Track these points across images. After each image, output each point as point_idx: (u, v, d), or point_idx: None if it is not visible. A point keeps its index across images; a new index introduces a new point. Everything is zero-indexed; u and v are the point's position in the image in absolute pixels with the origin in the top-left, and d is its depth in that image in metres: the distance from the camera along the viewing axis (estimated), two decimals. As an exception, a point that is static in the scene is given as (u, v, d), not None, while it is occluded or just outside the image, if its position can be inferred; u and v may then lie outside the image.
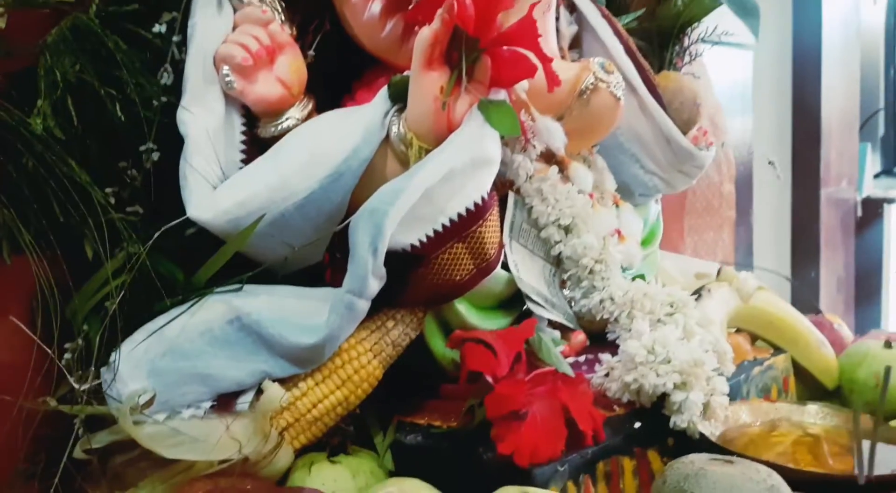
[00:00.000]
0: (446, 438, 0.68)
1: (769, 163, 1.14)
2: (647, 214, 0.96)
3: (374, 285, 0.65)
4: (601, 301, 0.79)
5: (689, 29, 1.29)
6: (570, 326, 0.79)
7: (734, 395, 0.83)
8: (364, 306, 0.66)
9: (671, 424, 0.71)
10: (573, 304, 0.81)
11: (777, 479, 0.58)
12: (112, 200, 0.69)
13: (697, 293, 0.89)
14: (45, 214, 0.66)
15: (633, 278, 0.84)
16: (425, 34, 0.68)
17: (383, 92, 0.73)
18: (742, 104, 1.67)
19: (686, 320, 0.77)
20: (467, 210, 0.69)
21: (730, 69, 1.65)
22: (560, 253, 0.80)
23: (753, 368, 0.87)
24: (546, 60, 0.70)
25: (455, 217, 0.68)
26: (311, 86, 0.79)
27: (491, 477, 0.61)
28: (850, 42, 2.13)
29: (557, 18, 0.91)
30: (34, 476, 0.65)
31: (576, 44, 0.94)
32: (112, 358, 0.64)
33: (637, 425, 0.71)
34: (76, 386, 0.61)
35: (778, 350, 0.94)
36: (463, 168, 0.68)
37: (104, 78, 0.65)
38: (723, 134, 1.48)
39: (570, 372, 0.70)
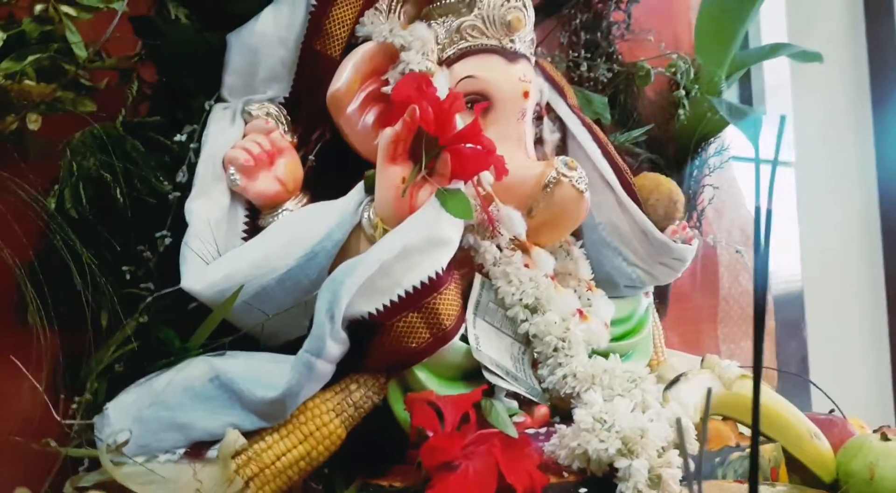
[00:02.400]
0: (397, 494, 0.74)
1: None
2: (636, 306, 1.01)
3: (333, 347, 0.74)
4: (564, 376, 0.84)
5: (705, 144, 1.37)
6: (535, 399, 0.84)
7: (707, 477, 0.84)
8: (322, 366, 0.74)
9: (617, 491, 0.73)
10: (543, 381, 0.86)
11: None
12: (128, 277, 0.82)
13: (676, 379, 0.92)
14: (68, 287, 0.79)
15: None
16: (387, 133, 0.79)
17: (359, 185, 0.84)
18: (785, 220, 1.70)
19: (644, 394, 0.80)
20: (422, 283, 0.77)
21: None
22: (527, 331, 0.86)
23: (732, 452, 0.88)
24: (494, 156, 0.80)
25: (410, 289, 0.77)
26: (311, 185, 0.91)
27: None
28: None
29: (541, 127, 1.01)
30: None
31: (563, 150, 1.04)
32: (105, 408, 0.74)
33: (582, 490, 0.74)
34: (67, 430, 0.71)
35: (768, 440, 0.94)
36: (419, 246, 0.77)
37: (125, 174, 0.78)
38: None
39: (514, 435, 0.74)
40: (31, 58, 0.70)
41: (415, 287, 0.77)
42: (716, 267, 1.45)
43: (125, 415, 0.74)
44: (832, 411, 1.08)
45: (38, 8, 0.73)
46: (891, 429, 1.02)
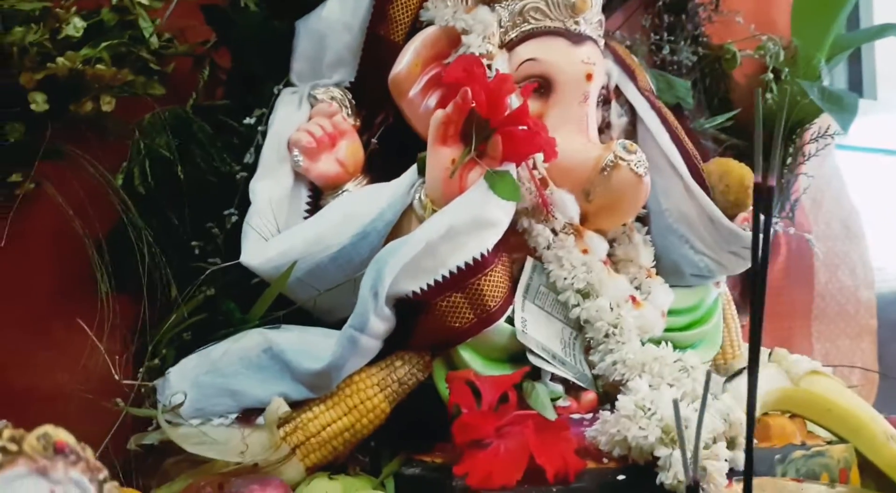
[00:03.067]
0: (436, 470, 0.75)
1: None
2: (704, 296, 0.98)
3: (377, 324, 0.76)
4: (614, 363, 0.82)
5: (801, 130, 1.30)
6: (583, 385, 0.83)
7: (765, 474, 0.81)
8: (366, 341, 0.76)
9: (657, 480, 0.72)
10: (594, 367, 0.85)
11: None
12: (197, 252, 0.87)
13: (738, 372, 0.88)
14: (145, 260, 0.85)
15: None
16: (438, 116, 0.80)
17: (413, 167, 0.85)
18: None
19: (694, 384, 0.78)
20: (466, 264, 0.78)
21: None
22: (579, 316, 0.85)
23: (795, 451, 0.84)
24: (545, 138, 0.79)
25: (454, 269, 0.78)
26: (375, 167, 0.94)
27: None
28: None
29: (608, 111, 0.99)
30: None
31: (633, 134, 1.01)
32: (167, 372, 0.79)
33: (620, 477, 0.73)
34: (128, 390, 0.76)
35: (841, 441, 0.89)
36: (465, 227, 0.78)
37: (191, 154, 0.83)
38: (857, 239, 1.42)
39: (552, 418, 0.74)
40: (104, 44, 0.76)
41: (459, 268, 0.78)
42: (810, 261, 1.37)
43: (184, 380, 0.78)
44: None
45: (115, -1, 0.79)
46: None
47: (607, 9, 1.18)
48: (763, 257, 0.46)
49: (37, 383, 0.82)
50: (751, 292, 0.47)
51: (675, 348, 0.90)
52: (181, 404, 0.75)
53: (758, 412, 0.87)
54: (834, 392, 0.90)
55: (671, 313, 0.94)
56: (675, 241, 0.97)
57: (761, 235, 0.46)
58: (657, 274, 0.97)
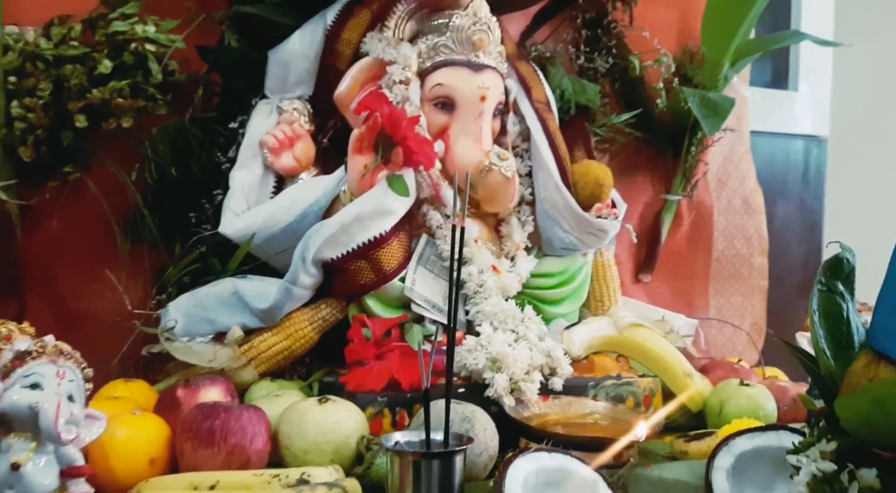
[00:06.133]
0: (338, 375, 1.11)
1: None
2: (570, 264, 1.28)
3: (304, 279, 1.11)
4: (477, 312, 1.16)
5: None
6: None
7: (579, 393, 1.13)
8: (297, 291, 1.11)
9: (485, 394, 1.06)
10: (467, 314, 1.18)
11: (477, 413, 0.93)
12: (194, 220, 1.23)
13: (577, 322, 1.21)
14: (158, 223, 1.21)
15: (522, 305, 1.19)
16: (354, 133, 1.13)
17: (343, 167, 1.19)
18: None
19: (526, 331, 1.11)
20: (369, 240, 1.12)
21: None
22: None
23: (607, 380, 1.16)
24: (428, 151, 1.12)
25: (360, 244, 1.12)
26: (327, 160, 1.27)
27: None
28: None
29: (505, 122, 1.29)
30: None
31: (528, 137, 1.31)
32: (167, 306, 1.16)
33: (461, 390, 1.07)
34: (137, 319, 1.13)
35: (652, 376, 1.20)
36: (369, 213, 1.11)
37: (187, 154, 1.18)
38: (756, 214, 1.69)
39: (415, 349, 1.08)
40: (125, 82, 1.10)
41: (363, 243, 1.12)
42: (710, 231, 1.65)
43: (178, 311, 1.15)
44: (739, 360, 1.32)
45: (133, 46, 1.13)
46: (767, 380, 1.25)
47: (536, 23, 1.49)
48: (459, 263, 0.78)
49: (82, 310, 1.20)
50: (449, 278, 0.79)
51: (545, 302, 1.24)
52: (173, 328, 1.12)
53: (587, 352, 1.20)
54: (648, 339, 1.21)
55: (543, 275, 1.27)
56: (549, 222, 1.28)
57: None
58: (540, 247, 1.30)
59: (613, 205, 1.30)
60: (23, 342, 0.72)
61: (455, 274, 0.81)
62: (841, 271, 0.67)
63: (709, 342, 1.58)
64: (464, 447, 0.80)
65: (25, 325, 0.76)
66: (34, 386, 0.68)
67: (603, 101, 1.48)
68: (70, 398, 0.69)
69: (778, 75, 1.84)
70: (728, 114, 1.43)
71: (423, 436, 0.82)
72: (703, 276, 1.67)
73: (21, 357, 0.68)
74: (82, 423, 0.69)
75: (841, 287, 0.67)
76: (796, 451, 0.61)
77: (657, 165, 1.59)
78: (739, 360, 1.33)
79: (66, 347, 0.72)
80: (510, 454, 0.78)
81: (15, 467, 0.65)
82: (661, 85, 1.48)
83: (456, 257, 0.80)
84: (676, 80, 1.53)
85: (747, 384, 1.17)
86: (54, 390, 0.68)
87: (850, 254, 0.68)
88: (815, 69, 1.82)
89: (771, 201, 1.72)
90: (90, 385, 0.74)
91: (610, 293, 1.38)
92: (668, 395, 1.20)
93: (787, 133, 1.82)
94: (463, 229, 0.82)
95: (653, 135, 1.55)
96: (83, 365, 0.73)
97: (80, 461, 0.70)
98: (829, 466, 0.54)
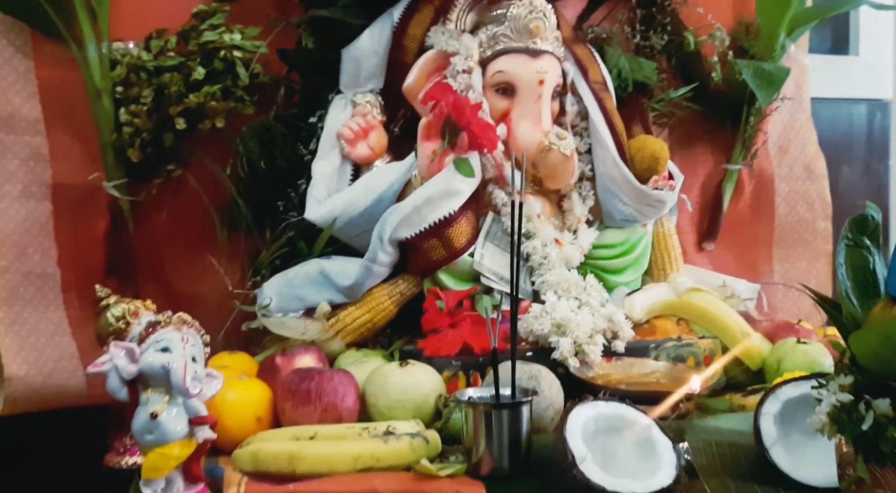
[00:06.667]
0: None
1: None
2: (630, 235, 1.36)
3: (383, 257, 1.22)
4: (543, 282, 1.25)
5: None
6: (522, 297, 1.26)
7: (641, 355, 1.21)
8: (377, 269, 1.23)
9: (551, 356, 1.15)
10: (533, 284, 1.27)
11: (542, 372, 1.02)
12: (281, 208, 1.35)
13: (638, 288, 1.29)
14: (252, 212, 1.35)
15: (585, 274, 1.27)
16: (423, 121, 1.23)
17: (411, 156, 1.29)
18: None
19: (588, 298, 1.20)
20: (439, 220, 1.22)
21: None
22: (525, 251, 1.27)
23: (668, 342, 1.23)
24: (491, 135, 1.21)
25: (432, 223, 1.22)
26: (398, 148, 1.38)
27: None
28: None
29: (564, 103, 1.37)
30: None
31: (587, 117, 1.39)
32: (262, 286, 1.29)
33: (529, 353, 1.16)
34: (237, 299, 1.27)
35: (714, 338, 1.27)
36: (438, 195, 1.22)
37: (274, 148, 1.31)
38: (818, 179, 1.72)
39: (485, 317, 1.18)
40: (217, 86, 1.23)
41: (435, 222, 1.22)
42: (772, 197, 1.68)
43: (272, 290, 1.28)
44: (800, 321, 1.37)
45: (222, 53, 1.26)
46: (825, 338, 1.30)
47: (591, 7, 1.55)
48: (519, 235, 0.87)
49: (188, 292, 1.34)
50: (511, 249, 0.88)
51: (608, 271, 1.33)
52: (268, 306, 1.25)
53: (647, 316, 1.28)
54: (706, 302, 1.28)
55: (604, 246, 1.34)
56: (609, 196, 1.36)
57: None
58: (601, 220, 1.38)
59: (670, 176, 1.37)
60: (148, 316, 0.86)
61: (517, 245, 0.90)
62: (866, 227, 0.74)
63: (774, 306, 1.62)
64: (529, 398, 0.90)
65: (148, 302, 0.89)
66: (164, 349, 0.81)
67: (660, 77, 1.53)
68: (193, 359, 0.82)
69: (838, 41, 1.85)
70: (783, 83, 1.47)
71: (494, 391, 0.92)
72: (766, 242, 1.70)
73: (152, 326, 0.81)
74: (204, 380, 0.82)
75: (868, 242, 0.73)
76: (820, 385, 0.68)
77: (716, 136, 1.63)
78: (800, 321, 1.38)
79: (187, 317, 0.85)
80: (570, 403, 0.87)
81: (153, 416, 0.79)
82: (715, 58, 1.52)
83: (517, 230, 0.89)
84: (731, 52, 1.58)
85: (805, 342, 1.22)
86: (181, 352, 0.81)
87: (876, 211, 0.75)
88: (875, 33, 1.83)
89: (835, 166, 1.74)
90: (208, 349, 0.87)
91: (671, 261, 1.45)
92: (726, 354, 1.27)
93: (849, 98, 1.83)
94: (521, 205, 0.91)
95: (710, 108, 1.59)
96: (202, 332, 0.86)
97: (204, 411, 0.83)
98: (847, 397, 0.61)
